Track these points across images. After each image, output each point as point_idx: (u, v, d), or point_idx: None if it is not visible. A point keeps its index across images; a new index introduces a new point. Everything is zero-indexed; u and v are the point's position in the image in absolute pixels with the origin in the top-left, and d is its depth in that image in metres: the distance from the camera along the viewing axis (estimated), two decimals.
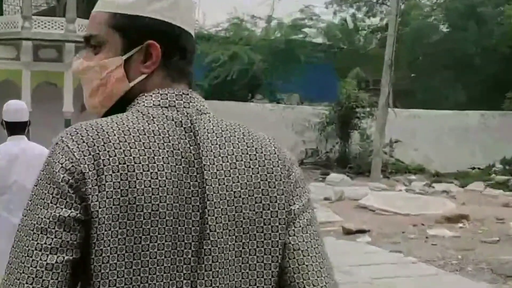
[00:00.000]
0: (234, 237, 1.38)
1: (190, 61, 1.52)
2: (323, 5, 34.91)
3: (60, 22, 19.54)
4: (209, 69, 27.43)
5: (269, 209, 1.42)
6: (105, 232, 1.27)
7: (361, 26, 35.80)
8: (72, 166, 1.29)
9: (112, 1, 1.49)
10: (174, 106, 1.43)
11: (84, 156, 1.30)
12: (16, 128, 5.54)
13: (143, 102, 1.43)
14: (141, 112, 1.40)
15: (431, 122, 25.59)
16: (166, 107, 1.42)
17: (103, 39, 1.47)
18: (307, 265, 1.45)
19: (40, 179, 1.33)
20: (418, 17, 32.15)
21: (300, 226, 1.46)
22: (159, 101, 1.43)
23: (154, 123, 1.38)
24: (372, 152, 22.53)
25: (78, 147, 1.31)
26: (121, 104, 1.47)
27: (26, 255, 1.28)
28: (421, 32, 30.78)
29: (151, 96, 1.44)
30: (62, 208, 1.28)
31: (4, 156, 5.41)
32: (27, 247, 1.28)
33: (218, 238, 1.36)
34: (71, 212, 1.27)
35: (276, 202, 1.43)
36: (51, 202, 1.28)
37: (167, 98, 1.43)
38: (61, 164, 1.30)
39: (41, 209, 1.29)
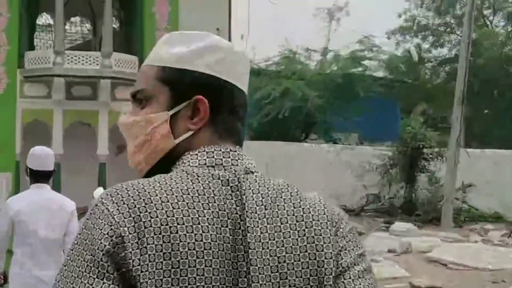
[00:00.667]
0: None
1: (241, 117, 1.57)
2: (385, 35, 34.64)
3: (95, 57, 19.48)
4: (259, 106, 27.27)
5: (316, 275, 1.44)
6: None
7: (427, 57, 35.30)
8: (111, 229, 1.32)
9: (161, 55, 1.56)
10: (221, 164, 1.47)
11: (124, 218, 1.33)
12: (40, 176, 5.83)
13: (188, 161, 1.48)
14: (186, 172, 1.44)
15: (508, 163, 24.74)
16: (212, 166, 1.46)
17: (150, 93, 1.54)
18: None
19: (77, 244, 1.36)
20: (492, 47, 31.53)
21: (350, 278, 1.48)
22: (205, 160, 1.47)
23: (199, 182, 1.41)
24: (442, 198, 21.82)
25: (118, 209, 1.34)
26: (166, 162, 1.52)
27: None
28: (495, 63, 30.11)
29: (197, 155, 1.48)
30: (94, 279, 1.31)
31: (26, 204, 5.71)
32: None
33: None
34: (104, 283, 1.30)
35: (323, 267, 1.45)
36: (85, 271, 1.31)
37: (213, 157, 1.48)
38: (100, 229, 1.33)
39: (74, 277, 1.32)
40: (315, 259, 1.44)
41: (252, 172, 1.49)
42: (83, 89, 19.67)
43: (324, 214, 1.50)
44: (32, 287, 5.75)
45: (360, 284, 1.47)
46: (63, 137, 19.22)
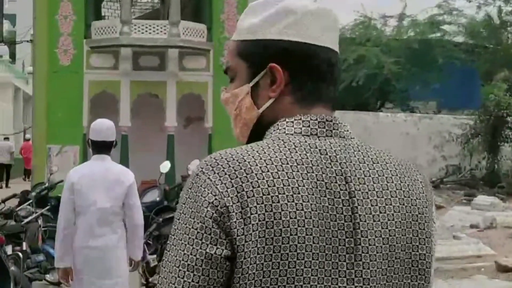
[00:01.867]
0: (385, 277, 1.44)
1: (328, 77, 1.55)
2: None
3: (162, 25, 19.05)
4: None
5: (417, 251, 1.50)
6: (251, 266, 1.34)
7: (510, 21, 33.48)
8: (216, 199, 1.36)
9: (239, 28, 1.61)
10: (316, 134, 1.49)
11: (227, 188, 1.37)
12: (100, 147, 6.03)
13: (284, 129, 1.50)
14: (283, 140, 1.46)
15: None
16: (307, 135, 1.49)
17: (234, 68, 1.60)
18: None
19: (183, 213, 1.40)
20: None
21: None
22: (300, 128, 1.50)
23: (296, 152, 1.44)
24: None
25: (220, 179, 1.38)
26: (258, 132, 1.56)
27: None
28: None
29: (293, 122, 1.51)
30: (207, 245, 1.35)
31: (86, 175, 5.95)
32: (174, 284, 1.37)
33: (371, 276, 1.42)
34: (217, 248, 1.35)
35: (424, 244, 1.50)
36: (197, 238, 1.36)
37: (309, 126, 1.50)
38: (204, 197, 1.37)
39: (186, 245, 1.37)
40: (417, 236, 1.49)
41: (350, 139, 1.51)
42: (151, 59, 19.28)
43: (424, 193, 1.54)
44: (90, 257, 5.96)
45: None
46: (130, 109, 18.96)
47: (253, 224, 1.33)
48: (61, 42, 18.81)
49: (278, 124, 1.51)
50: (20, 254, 8.43)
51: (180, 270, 1.35)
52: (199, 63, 19.55)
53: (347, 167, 1.44)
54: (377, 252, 1.42)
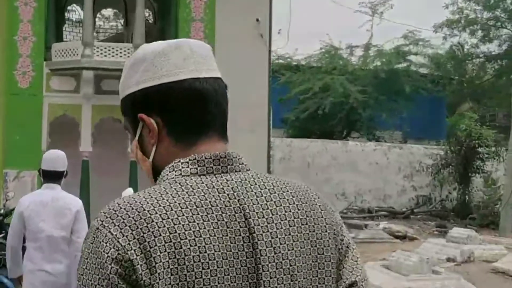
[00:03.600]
0: None
1: (204, 109, 1.54)
2: (431, 29, 32.81)
3: (126, 48, 18.18)
4: (297, 101, 26.15)
5: (317, 276, 1.50)
6: None
7: (475, 53, 33.34)
8: (119, 254, 1.34)
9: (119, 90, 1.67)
10: (212, 172, 1.49)
11: (129, 241, 1.35)
12: (50, 177, 6.19)
13: (180, 170, 1.50)
14: (179, 183, 1.46)
15: None
16: (203, 175, 1.49)
17: (125, 126, 1.66)
18: None
19: (86, 268, 1.38)
20: None
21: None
22: (196, 168, 1.50)
23: (194, 194, 1.44)
24: (500, 201, 20.08)
25: (121, 232, 1.37)
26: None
27: None
28: None
29: (187, 163, 1.50)
30: None
31: (36, 203, 6.08)
32: None
33: None
34: None
35: (324, 268, 1.51)
36: None
37: (204, 165, 1.50)
38: (107, 253, 1.35)
39: None
40: (316, 261, 1.50)
41: (246, 171, 1.52)
42: (114, 83, 18.04)
43: (323, 217, 1.55)
44: (42, 280, 6.06)
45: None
46: (92, 134, 18.06)
47: (159, 273, 1.33)
48: (20, 64, 17.94)
49: (173, 165, 1.51)
50: None
51: None
52: None
53: (245, 203, 1.45)
54: (278, 284, 1.42)
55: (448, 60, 31.75)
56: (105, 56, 18.14)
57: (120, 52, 18.25)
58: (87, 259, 1.37)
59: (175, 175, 1.48)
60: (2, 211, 11.97)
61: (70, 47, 18.57)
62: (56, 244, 6.05)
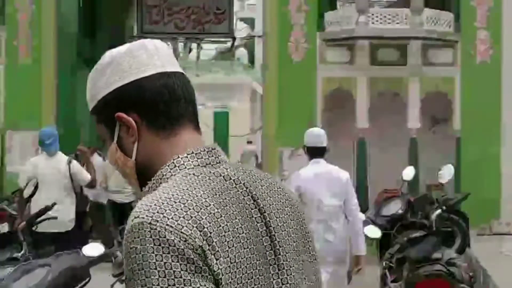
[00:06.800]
0: (301, 271, 1.60)
1: (176, 101, 1.60)
2: None
3: (403, 14, 17.34)
4: None
5: (309, 252, 1.66)
6: None
7: None
8: (188, 243, 1.39)
9: (88, 101, 1.69)
10: (210, 163, 1.57)
11: (191, 230, 1.40)
12: (317, 152, 6.98)
13: (183, 164, 1.56)
14: (194, 174, 1.52)
15: None
16: (204, 166, 1.56)
17: (100, 134, 1.67)
18: None
19: (155, 268, 1.38)
20: None
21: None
22: (197, 160, 1.57)
23: (212, 182, 1.51)
24: None
25: (178, 222, 1.41)
26: (145, 176, 1.59)
27: None
28: None
29: (187, 157, 1.57)
30: (199, 282, 1.39)
31: (309, 177, 6.88)
32: None
33: (294, 280, 1.55)
34: (209, 284, 1.40)
35: (310, 238, 1.69)
36: (192, 277, 1.38)
37: (201, 157, 1.58)
38: (175, 245, 1.38)
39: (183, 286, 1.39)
40: (304, 238, 1.64)
41: (230, 163, 1.62)
42: (390, 53, 17.57)
43: (294, 199, 1.68)
44: (323, 250, 6.36)
45: None
46: (368, 109, 17.32)
47: (221, 259, 1.40)
48: (293, 36, 17.48)
49: (174, 162, 1.55)
50: None
51: None
52: (445, 57, 17.57)
53: (250, 187, 1.55)
54: (291, 257, 1.55)
55: None
56: (381, 23, 17.44)
57: (397, 19, 17.46)
58: (147, 260, 1.38)
59: (183, 169, 1.53)
60: None
61: (343, 15, 18.06)
62: (334, 212, 6.82)
